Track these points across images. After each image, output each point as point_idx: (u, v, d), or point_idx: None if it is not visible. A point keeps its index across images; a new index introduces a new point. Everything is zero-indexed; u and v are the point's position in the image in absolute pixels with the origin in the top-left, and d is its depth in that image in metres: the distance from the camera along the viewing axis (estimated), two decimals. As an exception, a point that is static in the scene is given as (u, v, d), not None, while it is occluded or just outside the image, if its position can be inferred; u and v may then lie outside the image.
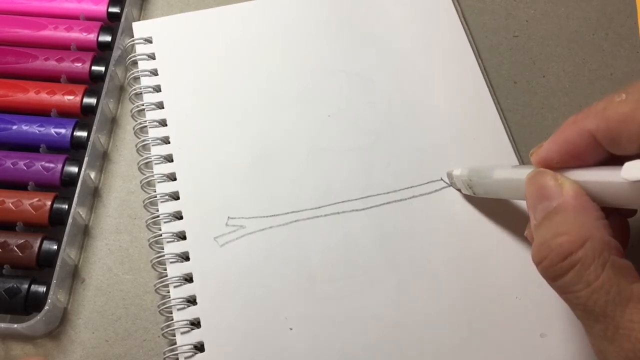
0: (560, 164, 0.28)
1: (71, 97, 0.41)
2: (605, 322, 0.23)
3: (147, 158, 0.39)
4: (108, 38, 0.44)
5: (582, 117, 0.26)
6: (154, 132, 0.40)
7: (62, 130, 0.40)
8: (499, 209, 0.37)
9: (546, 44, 0.46)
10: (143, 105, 0.41)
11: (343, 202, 0.38)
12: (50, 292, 0.35)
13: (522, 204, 0.37)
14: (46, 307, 0.35)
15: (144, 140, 0.40)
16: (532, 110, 0.43)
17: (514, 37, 0.46)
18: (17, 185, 0.39)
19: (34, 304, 0.35)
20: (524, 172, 0.29)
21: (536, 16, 0.47)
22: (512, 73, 0.44)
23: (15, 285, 0.35)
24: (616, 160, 0.26)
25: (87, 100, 0.41)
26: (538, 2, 0.47)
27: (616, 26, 0.46)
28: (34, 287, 0.36)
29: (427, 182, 0.39)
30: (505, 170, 0.32)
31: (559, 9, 0.47)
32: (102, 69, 0.43)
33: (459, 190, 0.38)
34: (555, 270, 0.25)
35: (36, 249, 0.36)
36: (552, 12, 0.47)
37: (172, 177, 0.39)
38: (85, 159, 0.39)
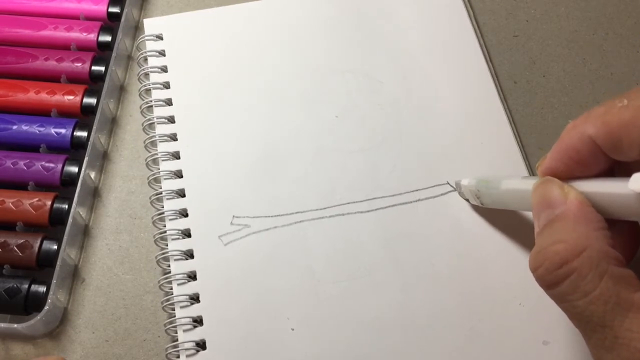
0: (566, 173, 0.27)
1: (71, 97, 0.41)
2: (603, 332, 0.23)
3: (154, 155, 0.39)
4: (108, 38, 0.44)
5: (582, 122, 0.26)
6: (162, 129, 0.40)
7: (62, 130, 0.40)
8: (504, 215, 0.37)
9: (546, 44, 0.46)
10: (152, 101, 0.41)
11: (348, 203, 0.38)
12: (50, 292, 0.35)
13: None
14: (46, 307, 0.35)
15: (152, 137, 0.40)
16: (532, 110, 0.43)
17: (514, 37, 0.46)
18: (17, 185, 0.39)
19: (34, 304, 0.35)
20: (531, 182, 0.29)
21: (536, 16, 0.47)
22: (512, 73, 0.44)
23: (15, 285, 0.35)
24: (623, 168, 0.26)
25: (87, 100, 0.41)
26: (538, 2, 0.47)
27: (616, 26, 0.46)
28: (34, 287, 0.36)
29: (433, 186, 0.38)
30: (513, 181, 0.32)
31: (559, 9, 0.47)
32: (102, 69, 0.43)
33: (467, 200, 0.37)
34: (551, 278, 0.25)
35: (36, 249, 0.36)
36: (552, 12, 0.47)
37: (178, 174, 0.39)
38: (85, 159, 0.39)
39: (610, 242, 0.25)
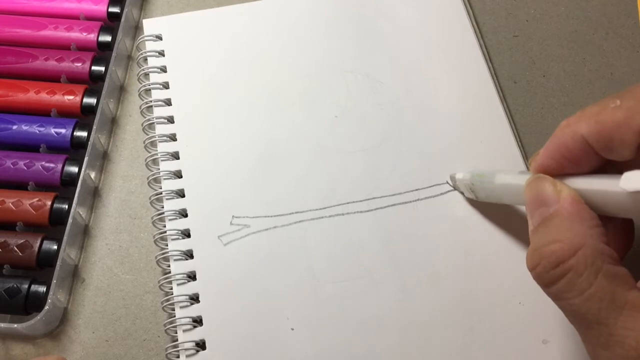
0: (558, 170, 0.28)
1: (71, 97, 0.41)
2: (598, 329, 0.24)
3: (154, 155, 0.39)
4: (108, 38, 0.44)
5: (575, 121, 0.26)
6: (162, 129, 0.40)
7: (62, 130, 0.40)
8: (503, 214, 0.37)
9: (546, 44, 0.46)
10: (151, 102, 0.41)
11: (348, 203, 0.38)
12: (50, 292, 0.35)
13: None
14: (46, 307, 0.35)
15: (151, 137, 0.40)
16: (532, 110, 0.43)
17: (514, 37, 0.46)
18: (17, 185, 0.39)
19: (34, 304, 0.35)
20: (525, 178, 0.29)
21: (536, 16, 0.47)
22: (512, 73, 0.44)
23: (15, 285, 0.35)
24: (615, 166, 0.26)
25: (87, 100, 0.41)
26: (538, 2, 0.47)
27: (616, 26, 0.46)
28: (34, 287, 0.36)
29: (433, 185, 0.38)
30: (507, 176, 0.32)
31: (559, 9, 0.47)
32: (102, 69, 0.43)
33: (462, 193, 0.38)
34: (548, 277, 0.25)
35: (36, 249, 0.36)
36: (552, 12, 0.47)
37: (178, 175, 0.39)
38: (85, 159, 0.39)
39: (605, 240, 0.25)
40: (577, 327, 0.25)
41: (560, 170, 0.27)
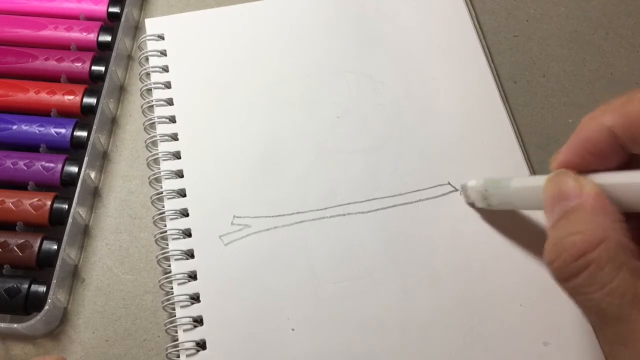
0: (582, 167, 0.27)
1: (71, 97, 0.41)
2: (619, 326, 0.23)
3: (155, 154, 0.39)
4: (108, 38, 0.44)
5: (600, 113, 0.26)
6: (163, 128, 0.40)
7: (62, 130, 0.40)
8: (505, 215, 0.37)
9: (546, 44, 0.46)
10: (153, 101, 0.41)
11: (349, 203, 0.38)
12: (50, 292, 0.35)
13: (529, 211, 0.37)
14: (46, 307, 0.35)
15: (153, 137, 0.40)
16: (532, 110, 0.43)
17: (514, 37, 0.46)
18: (17, 185, 0.39)
19: (34, 304, 0.35)
20: (544, 179, 0.28)
21: (536, 16, 0.47)
22: (512, 73, 0.44)
23: (15, 285, 0.35)
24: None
25: (87, 100, 0.41)
26: (538, 2, 0.47)
27: (616, 26, 0.46)
28: (34, 287, 0.35)
29: (434, 186, 0.38)
30: (524, 179, 0.32)
31: (559, 9, 0.47)
32: (102, 69, 0.43)
33: (472, 204, 0.37)
34: (568, 271, 0.24)
35: (36, 249, 0.36)
36: (552, 12, 0.47)
37: (179, 174, 0.39)
38: (85, 159, 0.39)
39: (628, 235, 0.24)
40: (594, 324, 0.24)
41: (584, 167, 0.27)
